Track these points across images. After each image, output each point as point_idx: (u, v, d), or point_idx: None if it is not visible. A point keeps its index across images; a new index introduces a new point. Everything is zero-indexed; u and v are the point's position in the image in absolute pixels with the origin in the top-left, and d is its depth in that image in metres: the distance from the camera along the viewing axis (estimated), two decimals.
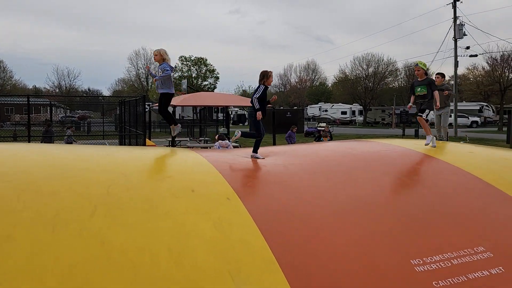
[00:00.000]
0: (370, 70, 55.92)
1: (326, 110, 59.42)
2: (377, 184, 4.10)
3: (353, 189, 4.00)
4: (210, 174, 4.08)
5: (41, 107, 42.30)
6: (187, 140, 16.49)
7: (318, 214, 3.42)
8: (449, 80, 47.91)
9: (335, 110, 59.36)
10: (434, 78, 7.31)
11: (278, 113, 33.38)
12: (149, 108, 17.83)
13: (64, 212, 2.94)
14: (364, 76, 55.83)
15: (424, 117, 6.22)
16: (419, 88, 6.38)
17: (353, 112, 59.06)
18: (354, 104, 58.44)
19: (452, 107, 45.07)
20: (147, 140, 13.62)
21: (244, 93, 69.95)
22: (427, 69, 6.95)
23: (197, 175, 4.09)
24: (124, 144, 16.38)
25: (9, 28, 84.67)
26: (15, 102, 42.20)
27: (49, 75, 77.86)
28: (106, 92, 70.33)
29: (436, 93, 6.27)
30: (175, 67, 61.77)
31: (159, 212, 3.12)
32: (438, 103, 6.35)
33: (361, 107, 56.06)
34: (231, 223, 3.11)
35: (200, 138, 17.74)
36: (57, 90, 63.47)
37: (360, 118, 57.13)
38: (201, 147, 13.35)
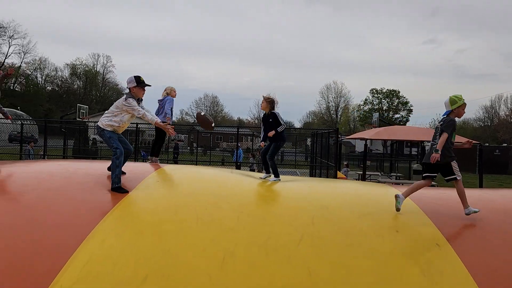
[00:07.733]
0: None
1: None
2: None
3: None
4: (415, 214, 3.82)
5: (243, 137, 47.78)
6: (377, 175, 15.95)
7: None
8: None
9: None
10: None
11: (484, 150, 29.44)
12: (340, 141, 18.06)
13: (275, 237, 3.17)
14: None
15: None
16: None
17: None
18: None
19: None
20: (338, 172, 13.77)
21: None
22: None
23: (400, 215, 3.89)
24: (315, 175, 16.93)
25: (221, 68, 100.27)
26: (225, 132, 49.25)
27: (251, 108, 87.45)
28: (298, 124, 74.65)
29: None
30: (366, 99, 61.46)
31: (362, 250, 3.06)
32: None
33: None
34: (442, 271, 2.82)
35: (392, 174, 16.97)
36: (256, 121, 70.58)
37: None
38: (393, 183, 12.76)
